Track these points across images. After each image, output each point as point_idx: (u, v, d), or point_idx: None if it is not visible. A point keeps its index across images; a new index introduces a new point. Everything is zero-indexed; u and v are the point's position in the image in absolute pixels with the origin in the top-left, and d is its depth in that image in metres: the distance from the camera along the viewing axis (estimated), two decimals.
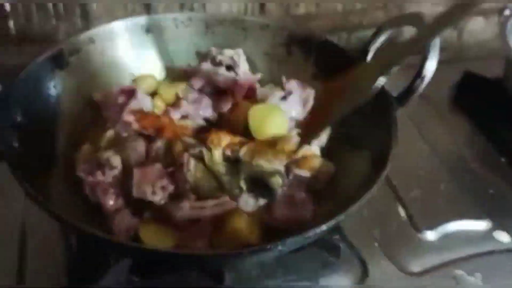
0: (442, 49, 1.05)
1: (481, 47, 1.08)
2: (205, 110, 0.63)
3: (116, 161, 0.53)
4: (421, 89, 0.57)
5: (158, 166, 0.54)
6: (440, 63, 0.94)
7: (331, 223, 0.46)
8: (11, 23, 0.81)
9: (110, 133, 0.57)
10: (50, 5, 0.80)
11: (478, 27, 1.11)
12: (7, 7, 0.78)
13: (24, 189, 0.45)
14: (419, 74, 0.57)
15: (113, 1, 0.79)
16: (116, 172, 0.53)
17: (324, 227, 0.46)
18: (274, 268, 0.58)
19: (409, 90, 0.58)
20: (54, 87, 0.59)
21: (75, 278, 0.56)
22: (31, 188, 0.45)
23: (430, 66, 0.56)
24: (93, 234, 0.43)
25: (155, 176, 0.52)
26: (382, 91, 0.59)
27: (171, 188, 0.53)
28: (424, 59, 0.56)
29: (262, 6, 0.90)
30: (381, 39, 0.63)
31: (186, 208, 0.51)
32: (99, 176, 0.52)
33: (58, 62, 0.60)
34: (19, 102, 0.53)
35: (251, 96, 0.64)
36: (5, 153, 0.48)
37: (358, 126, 0.59)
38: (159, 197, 0.52)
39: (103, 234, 0.45)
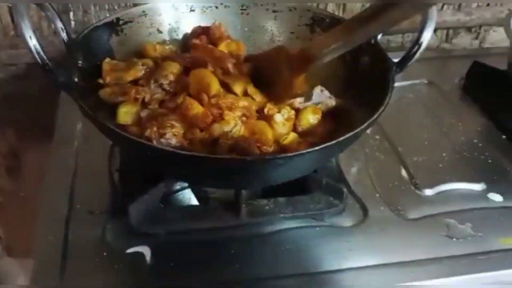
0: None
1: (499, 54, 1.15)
2: None
3: None
4: (417, 55, 0.65)
5: None
6: (454, 57, 1.03)
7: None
8: (71, 15, 0.96)
9: None
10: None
11: (499, 37, 1.18)
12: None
13: (79, 106, 0.57)
14: (416, 42, 0.65)
15: None
16: None
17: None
18: (284, 206, 0.67)
19: (407, 56, 0.66)
20: (110, 45, 0.71)
21: (115, 201, 0.68)
22: (84, 106, 0.56)
23: (427, 35, 0.64)
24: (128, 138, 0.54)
25: None
26: (385, 57, 0.68)
27: None
28: (421, 29, 0.65)
29: None
30: None
31: None
32: None
33: (114, 28, 0.72)
34: (81, 51, 0.65)
35: None
36: (68, 84, 0.59)
37: (364, 89, 0.68)
38: None
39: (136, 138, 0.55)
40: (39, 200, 0.69)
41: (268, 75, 0.70)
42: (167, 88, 0.67)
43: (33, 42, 0.55)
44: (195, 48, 0.73)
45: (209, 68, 0.68)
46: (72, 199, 0.67)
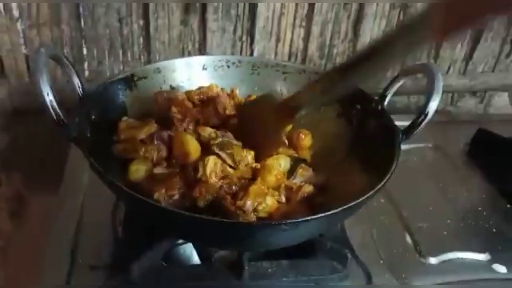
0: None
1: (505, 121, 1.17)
2: None
3: None
4: (423, 125, 0.66)
5: None
6: (459, 122, 1.04)
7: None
8: (85, 65, 0.98)
9: None
10: (120, 52, 0.97)
11: (503, 103, 1.20)
12: (84, 51, 0.96)
13: (89, 162, 0.58)
14: (423, 111, 0.66)
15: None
16: None
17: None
18: (288, 269, 0.66)
19: (413, 125, 0.67)
20: (123, 100, 0.73)
21: (117, 257, 0.67)
22: (94, 162, 0.57)
23: (433, 105, 0.66)
24: (138, 198, 0.55)
25: None
26: (392, 126, 0.69)
27: None
28: (428, 99, 0.66)
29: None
30: (397, 85, 0.73)
31: None
32: None
33: (129, 83, 0.74)
34: (95, 106, 0.67)
35: None
36: (80, 139, 0.60)
37: (369, 154, 0.69)
38: None
39: (145, 198, 0.55)
40: (41, 251, 0.68)
41: (254, 123, 0.70)
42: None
43: (49, 98, 0.57)
44: None
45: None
46: (74, 253, 0.67)
